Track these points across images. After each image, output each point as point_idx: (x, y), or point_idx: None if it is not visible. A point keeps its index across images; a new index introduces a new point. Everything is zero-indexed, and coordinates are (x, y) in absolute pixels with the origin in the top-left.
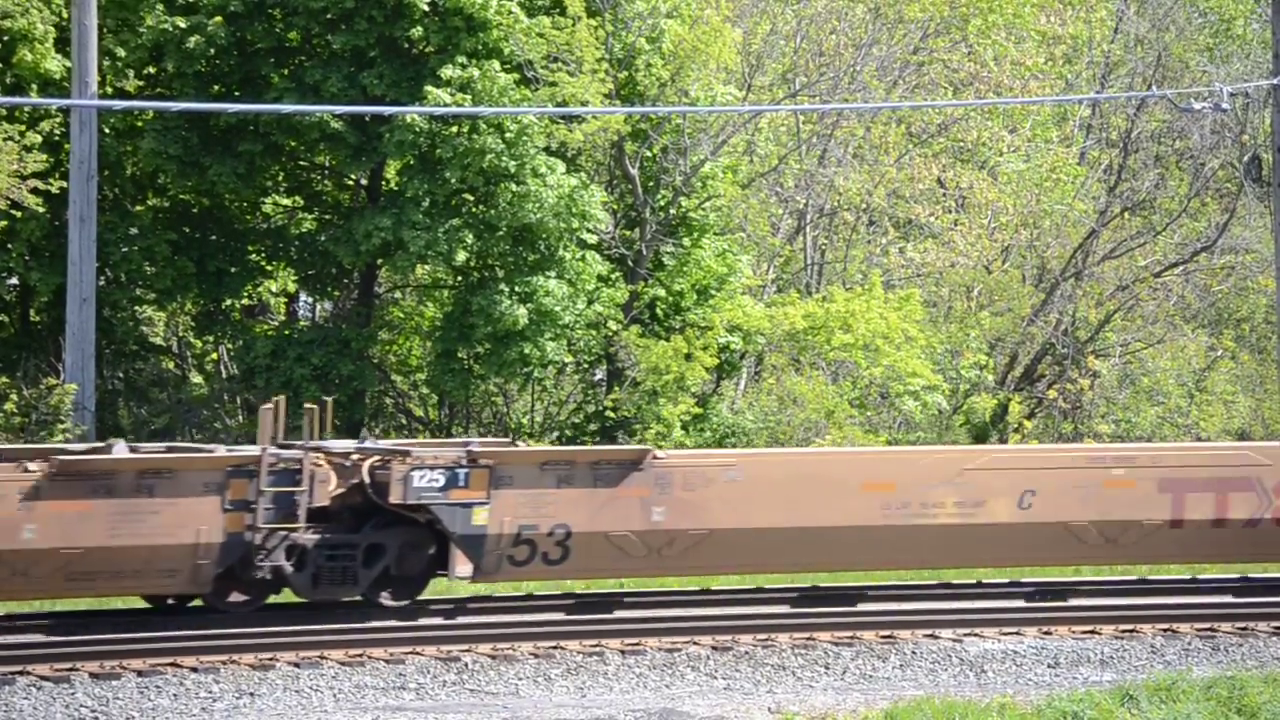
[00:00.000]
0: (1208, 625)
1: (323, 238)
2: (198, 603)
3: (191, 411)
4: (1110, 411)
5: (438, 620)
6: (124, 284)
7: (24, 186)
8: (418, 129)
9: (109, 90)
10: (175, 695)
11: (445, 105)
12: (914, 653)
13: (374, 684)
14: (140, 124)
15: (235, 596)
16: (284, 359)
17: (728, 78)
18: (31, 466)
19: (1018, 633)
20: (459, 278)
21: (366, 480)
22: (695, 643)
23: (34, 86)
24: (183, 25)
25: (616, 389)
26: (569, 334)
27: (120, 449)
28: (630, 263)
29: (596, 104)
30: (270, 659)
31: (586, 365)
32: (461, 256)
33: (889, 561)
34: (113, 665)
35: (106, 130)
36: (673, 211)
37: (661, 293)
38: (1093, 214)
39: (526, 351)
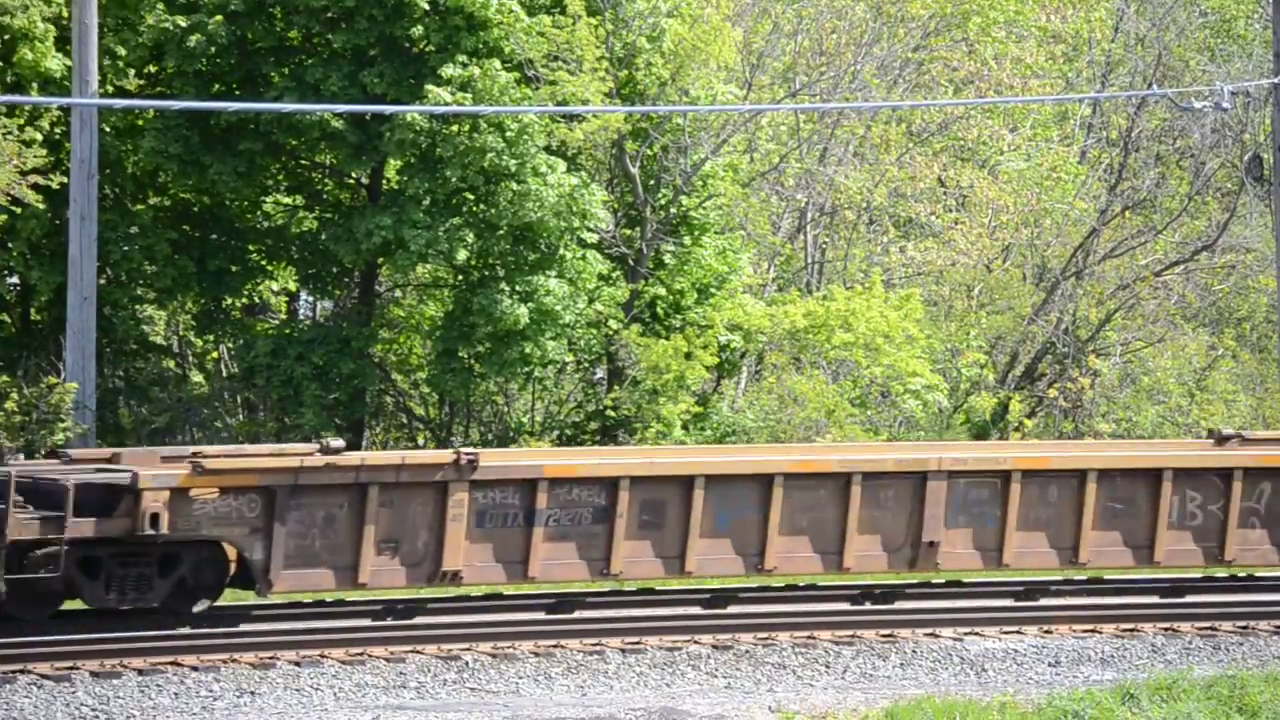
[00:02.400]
0: (1208, 624)
1: (323, 236)
2: None
3: (192, 410)
4: (1111, 410)
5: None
6: (124, 283)
7: (24, 182)
8: (418, 128)
9: (109, 89)
10: (176, 694)
11: (446, 104)
12: (914, 652)
13: (374, 683)
14: (141, 123)
15: None
16: (285, 358)
17: (728, 76)
18: None
19: (1018, 631)
20: (459, 277)
21: None
22: (696, 641)
23: (34, 85)
24: (183, 24)
25: (616, 388)
26: (569, 333)
27: None
28: (631, 262)
29: (597, 103)
30: (271, 658)
31: (587, 364)
32: (462, 255)
33: None
34: (113, 664)
35: (107, 129)
36: (673, 210)
37: (662, 292)
38: (1093, 213)
39: (527, 351)
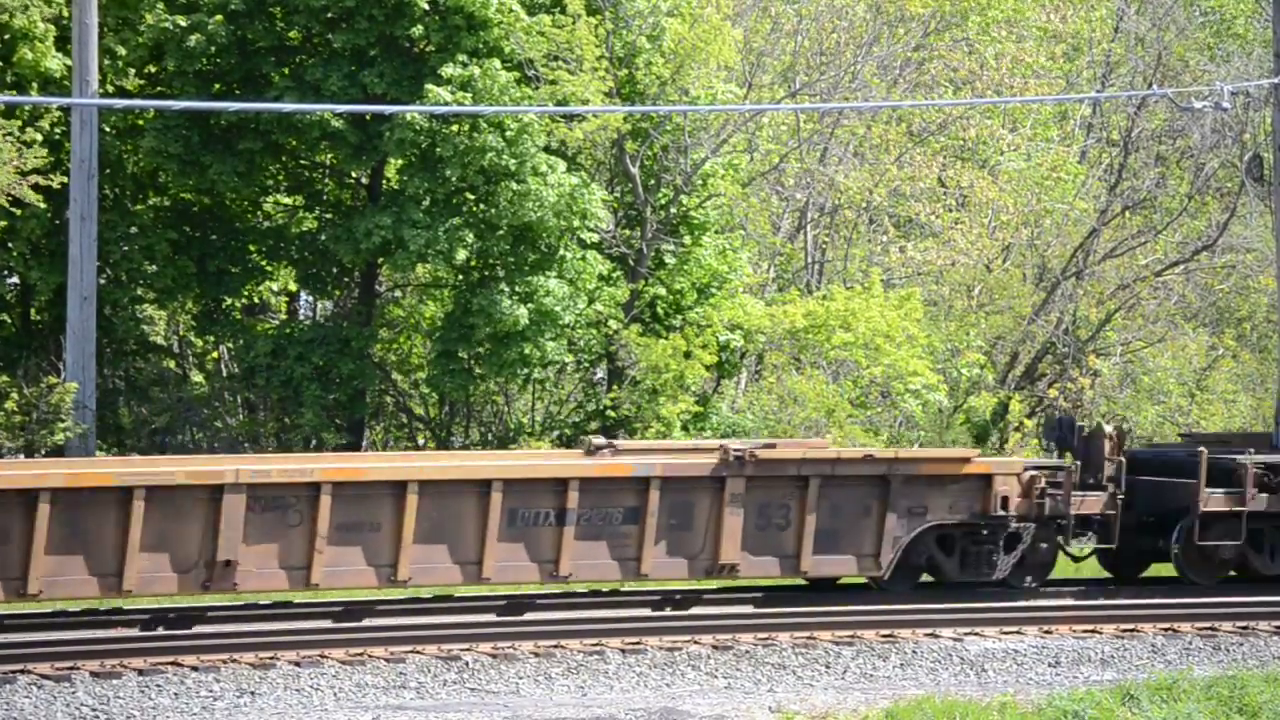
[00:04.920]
0: (1208, 624)
1: (323, 236)
2: None
3: (192, 410)
4: (1111, 411)
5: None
6: (124, 283)
7: (24, 183)
8: (418, 127)
9: (109, 89)
10: (176, 694)
11: (446, 104)
12: (914, 652)
13: (375, 683)
14: (141, 122)
15: None
16: (284, 358)
17: (728, 76)
18: None
19: (1018, 632)
20: (459, 277)
21: None
22: (696, 641)
23: (34, 85)
24: (183, 24)
25: (616, 388)
26: (569, 333)
27: None
28: (631, 261)
29: (597, 102)
30: (271, 658)
31: (587, 364)
32: (462, 255)
33: None
34: (113, 664)
35: (107, 129)
36: (673, 210)
37: (662, 291)
38: (1093, 213)
39: (527, 351)
